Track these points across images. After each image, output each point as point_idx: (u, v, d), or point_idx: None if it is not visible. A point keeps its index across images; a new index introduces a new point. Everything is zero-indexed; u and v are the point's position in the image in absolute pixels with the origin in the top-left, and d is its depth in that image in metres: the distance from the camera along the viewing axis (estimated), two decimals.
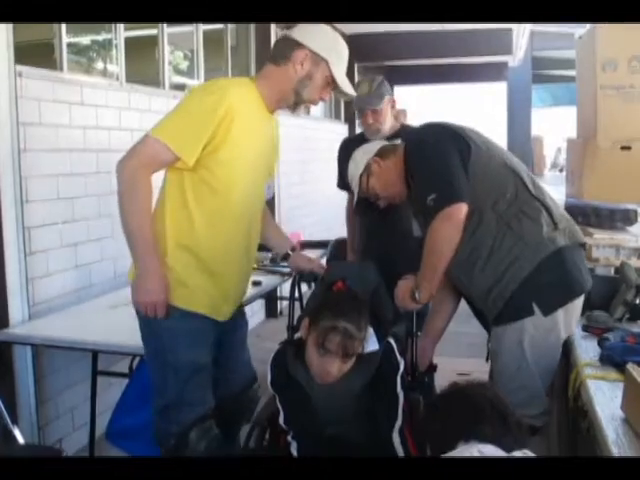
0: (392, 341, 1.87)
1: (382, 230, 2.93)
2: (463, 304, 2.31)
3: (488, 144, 2.10)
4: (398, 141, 2.85)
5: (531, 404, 1.99)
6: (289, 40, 1.97)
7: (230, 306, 2.09)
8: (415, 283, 2.05)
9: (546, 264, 1.96)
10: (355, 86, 2.45)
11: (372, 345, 1.83)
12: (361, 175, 2.24)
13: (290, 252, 2.31)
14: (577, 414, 1.88)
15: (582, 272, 2.06)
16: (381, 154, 2.23)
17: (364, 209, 2.71)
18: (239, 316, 2.24)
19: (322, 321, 1.76)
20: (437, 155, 1.99)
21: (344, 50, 2.04)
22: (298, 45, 1.94)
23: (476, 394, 1.53)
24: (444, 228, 1.95)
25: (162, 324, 1.92)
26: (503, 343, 2.02)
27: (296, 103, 2.01)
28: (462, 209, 1.93)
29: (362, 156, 2.27)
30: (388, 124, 2.97)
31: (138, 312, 1.98)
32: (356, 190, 2.29)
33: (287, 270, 3.06)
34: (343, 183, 2.93)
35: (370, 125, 2.95)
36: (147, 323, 1.96)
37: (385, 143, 2.39)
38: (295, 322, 2.20)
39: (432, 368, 2.32)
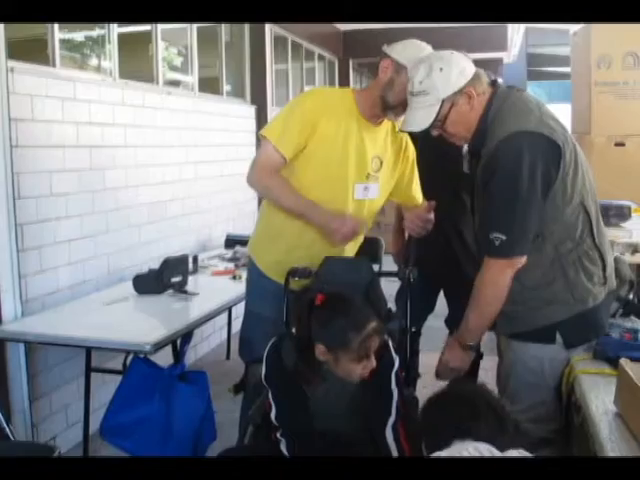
0: (386, 338, 1.86)
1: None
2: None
3: (576, 166, 1.88)
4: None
5: (549, 419, 1.96)
6: (382, 53, 2.21)
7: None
8: (461, 343, 1.99)
9: (582, 314, 1.93)
10: None
11: None
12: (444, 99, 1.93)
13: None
14: (571, 409, 1.88)
15: (608, 315, 2.05)
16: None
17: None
18: None
19: (362, 329, 1.73)
20: (525, 191, 1.80)
21: None
22: (385, 56, 2.18)
23: (473, 393, 1.53)
24: (506, 277, 1.89)
25: (248, 277, 2.50)
26: (521, 355, 1.97)
27: (384, 109, 2.19)
28: (522, 261, 1.87)
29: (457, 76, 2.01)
30: None
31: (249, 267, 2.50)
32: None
33: None
34: None
35: None
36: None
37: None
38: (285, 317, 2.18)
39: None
